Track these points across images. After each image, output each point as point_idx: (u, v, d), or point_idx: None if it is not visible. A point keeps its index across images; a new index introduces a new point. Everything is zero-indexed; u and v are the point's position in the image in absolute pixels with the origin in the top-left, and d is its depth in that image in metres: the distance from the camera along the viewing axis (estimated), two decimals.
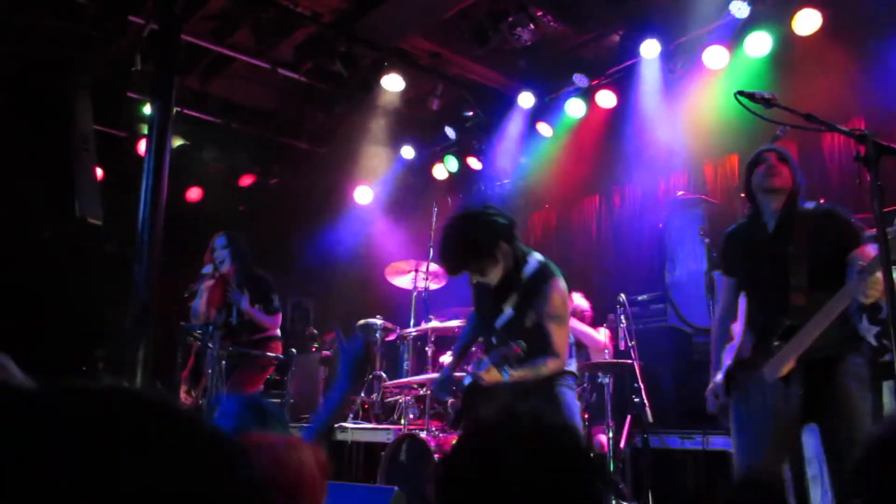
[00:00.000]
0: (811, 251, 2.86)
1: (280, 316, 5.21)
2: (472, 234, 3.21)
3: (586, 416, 4.95)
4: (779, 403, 2.80)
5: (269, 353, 5.07)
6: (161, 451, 0.59)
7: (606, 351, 5.11)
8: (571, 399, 3.44)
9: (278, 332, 5.24)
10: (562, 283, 3.33)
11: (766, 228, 3.03)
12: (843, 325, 2.79)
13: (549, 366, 3.23)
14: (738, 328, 3.19)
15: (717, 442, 4.81)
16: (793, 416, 2.82)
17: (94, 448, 0.56)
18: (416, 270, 5.82)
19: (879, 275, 2.45)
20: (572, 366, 3.52)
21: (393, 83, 6.47)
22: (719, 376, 3.04)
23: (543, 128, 6.91)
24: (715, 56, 5.58)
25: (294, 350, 5.23)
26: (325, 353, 6.88)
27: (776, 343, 2.81)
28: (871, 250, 2.71)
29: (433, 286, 5.74)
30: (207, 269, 5.05)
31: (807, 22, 5.13)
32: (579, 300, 5.45)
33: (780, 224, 3.00)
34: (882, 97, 5.10)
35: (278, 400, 5.37)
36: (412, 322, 5.94)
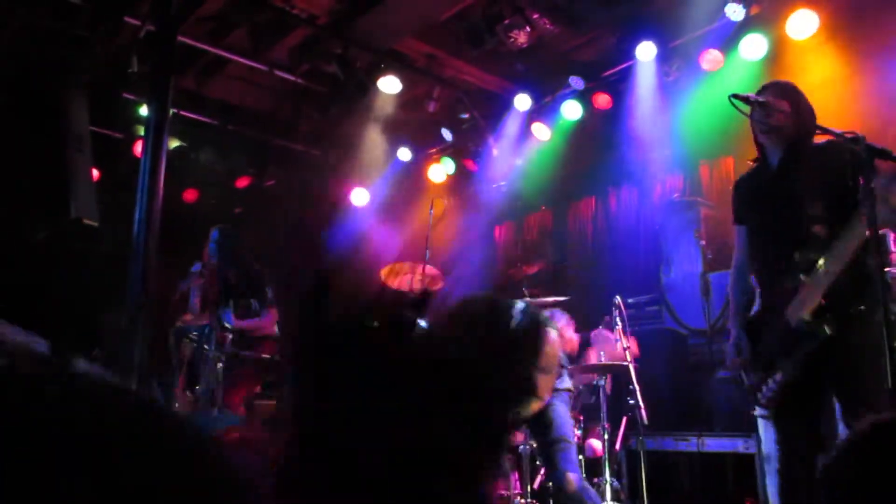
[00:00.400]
0: (822, 183, 2.76)
1: (276, 311, 5.17)
2: None
3: (581, 417, 4.96)
4: (803, 349, 2.69)
5: (263, 356, 5.06)
6: (138, 450, 0.58)
7: (602, 353, 5.12)
8: (564, 411, 3.54)
9: (276, 328, 5.21)
10: (553, 334, 3.38)
11: (771, 166, 2.96)
12: (862, 269, 2.63)
13: (532, 408, 3.33)
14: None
15: (712, 444, 4.83)
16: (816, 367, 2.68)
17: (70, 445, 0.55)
18: (412, 272, 5.82)
19: None
20: (566, 383, 3.66)
21: (389, 85, 6.48)
22: (737, 330, 2.97)
23: (540, 130, 6.93)
24: (710, 59, 5.60)
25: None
26: None
27: (802, 278, 2.70)
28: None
29: (430, 288, 5.74)
30: (196, 267, 5.04)
31: (802, 25, 5.16)
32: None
33: (784, 160, 2.90)
34: (876, 100, 5.13)
35: (274, 401, 5.36)
36: None
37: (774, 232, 2.88)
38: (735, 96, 2.66)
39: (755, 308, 3.02)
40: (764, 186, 2.96)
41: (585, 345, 5.58)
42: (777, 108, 2.78)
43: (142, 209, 4.09)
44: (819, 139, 2.89)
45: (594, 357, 5.27)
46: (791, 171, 2.85)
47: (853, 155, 2.60)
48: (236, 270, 5.02)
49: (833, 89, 5.18)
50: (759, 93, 2.93)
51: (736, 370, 3.00)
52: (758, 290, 3.01)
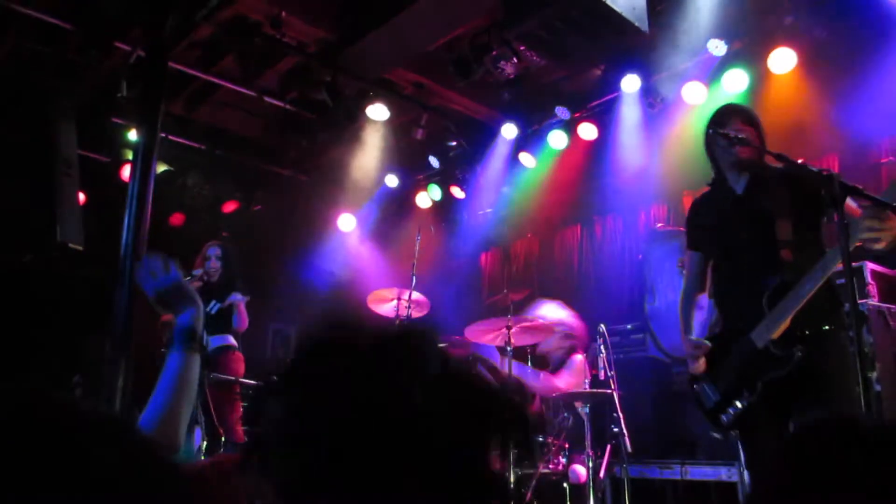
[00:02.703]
0: (791, 207, 2.79)
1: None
2: None
3: (566, 445, 4.96)
4: (769, 373, 2.69)
5: (249, 381, 5.08)
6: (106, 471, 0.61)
7: (586, 381, 5.14)
8: None
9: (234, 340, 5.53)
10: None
11: (733, 191, 2.97)
12: (831, 292, 2.67)
13: None
14: (704, 300, 3.17)
15: (696, 472, 4.84)
16: (782, 385, 2.68)
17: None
18: (399, 298, 5.83)
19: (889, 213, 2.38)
20: None
21: (377, 112, 6.54)
22: (692, 337, 3.00)
23: (526, 158, 7.00)
24: (693, 91, 5.71)
25: (275, 377, 5.22)
26: None
27: (764, 302, 2.71)
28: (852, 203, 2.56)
29: (415, 314, 5.76)
30: (198, 272, 5.23)
31: (782, 60, 5.28)
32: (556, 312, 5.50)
33: (750, 184, 2.93)
34: (854, 134, 5.24)
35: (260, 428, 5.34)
36: None
37: (740, 256, 2.90)
38: (715, 132, 2.72)
39: (714, 329, 3.06)
40: (728, 210, 2.98)
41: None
42: (745, 138, 2.80)
43: (128, 234, 4.09)
44: (778, 163, 2.91)
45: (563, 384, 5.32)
46: (758, 195, 2.88)
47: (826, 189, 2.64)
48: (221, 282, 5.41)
49: (812, 123, 5.29)
50: (722, 114, 2.98)
51: (698, 376, 2.98)
52: (716, 313, 3.05)
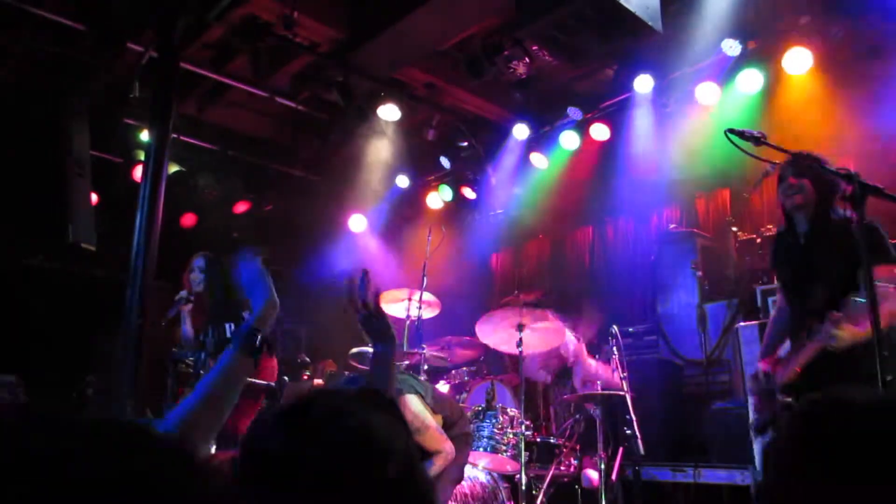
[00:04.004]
0: (839, 266, 2.92)
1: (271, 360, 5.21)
2: None
3: (577, 447, 4.93)
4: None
5: (260, 381, 5.04)
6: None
7: (599, 383, 5.11)
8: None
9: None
10: (409, 401, 3.66)
11: (798, 239, 3.15)
12: (860, 362, 2.66)
13: (437, 465, 3.62)
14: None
15: (709, 475, 4.80)
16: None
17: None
18: (410, 299, 5.81)
19: (847, 328, 2.59)
20: (466, 428, 4.02)
21: (389, 113, 6.53)
22: (763, 365, 3.16)
23: (538, 159, 6.97)
24: (707, 92, 5.66)
25: (286, 377, 5.20)
26: (317, 381, 6.83)
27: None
28: (882, 272, 2.67)
29: (426, 315, 5.74)
30: (182, 294, 4.99)
31: (797, 61, 5.23)
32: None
33: (809, 235, 3.09)
34: (870, 135, 5.18)
35: None
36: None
37: (797, 298, 3.15)
38: (731, 131, 2.68)
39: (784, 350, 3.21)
40: (791, 254, 3.19)
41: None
42: (797, 188, 2.99)
43: (140, 234, 4.09)
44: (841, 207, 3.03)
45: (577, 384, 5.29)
46: (815, 248, 3.05)
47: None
48: (218, 298, 4.95)
49: (827, 124, 5.24)
50: (781, 174, 3.12)
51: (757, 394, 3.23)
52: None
